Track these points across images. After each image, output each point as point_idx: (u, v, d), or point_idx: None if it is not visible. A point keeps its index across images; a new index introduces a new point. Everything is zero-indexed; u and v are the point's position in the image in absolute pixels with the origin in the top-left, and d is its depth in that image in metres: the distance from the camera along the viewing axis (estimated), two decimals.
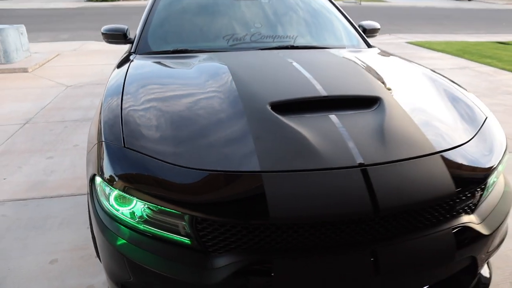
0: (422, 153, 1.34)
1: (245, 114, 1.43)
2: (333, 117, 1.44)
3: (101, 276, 1.95)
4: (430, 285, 1.41)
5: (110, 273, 1.36)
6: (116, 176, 1.28)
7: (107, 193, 1.32)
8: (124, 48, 4.73)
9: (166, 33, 2.52)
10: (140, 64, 2.12)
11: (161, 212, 1.23)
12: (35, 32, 11.19)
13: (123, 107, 1.56)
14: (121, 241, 1.27)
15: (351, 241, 1.20)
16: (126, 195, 1.26)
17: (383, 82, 1.81)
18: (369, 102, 1.56)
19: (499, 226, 1.48)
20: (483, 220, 1.45)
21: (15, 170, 3.08)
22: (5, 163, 3.21)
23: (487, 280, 1.72)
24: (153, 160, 1.28)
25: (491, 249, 1.52)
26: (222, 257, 1.18)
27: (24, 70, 6.47)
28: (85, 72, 6.51)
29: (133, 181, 1.25)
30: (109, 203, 1.32)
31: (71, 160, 3.26)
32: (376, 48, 2.65)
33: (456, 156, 1.39)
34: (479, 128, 1.61)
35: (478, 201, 1.46)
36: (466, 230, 1.37)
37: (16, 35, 6.98)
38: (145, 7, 2.86)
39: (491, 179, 1.51)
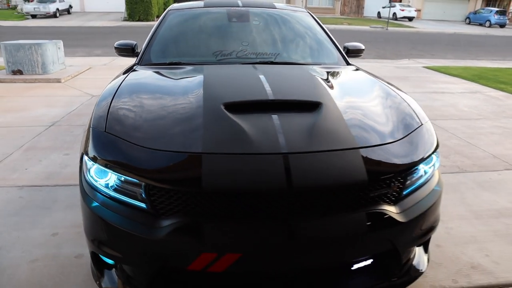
0: (342, 147, 1.62)
1: (203, 111, 1.77)
2: (275, 116, 1.75)
3: None
4: (348, 262, 1.66)
5: (86, 231, 1.71)
6: (96, 153, 1.65)
7: (88, 167, 1.69)
8: None
9: (165, 48, 2.94)
10: (139, 73, 2.52)
11: (126, 181, 1.58)
12: (73, 47, 12.21)
13: (112, 103, 1.94)
14: (95, 204, 1.62)
15: (270, 212, 1.48)
16: (103, 167, 1.62)
17: (333, 91, 2.11)
18: (311, 106, 1.86)
19: (417, 217, 1.71)
20: (403, 211, 1.69)
21: (36, 163, 3.54)
22: (29, 156, 3.69)
23: (417, 273, 1.90)
24: (124, 142, 1.64)
25: (411, 237, 1.74)
26: (167, 219, 1.50)
27: (58, 81, 7.16)
28: None
29: (108, 157, 1.62)
30: (90, 175, 1.68)
31: None
32: (353, 66, 2.95)
33: (375, 153, 1.66)
34: (409, 133, 1.86)
35: (399, 194, 1.71)
36: (381, 215, 1.61)
37: (54, 49, 7.75)
38: None
39: (412, 177, 1.75)
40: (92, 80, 7.49)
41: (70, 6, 29.69)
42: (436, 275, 2.20)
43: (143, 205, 1.55)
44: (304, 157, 1.54)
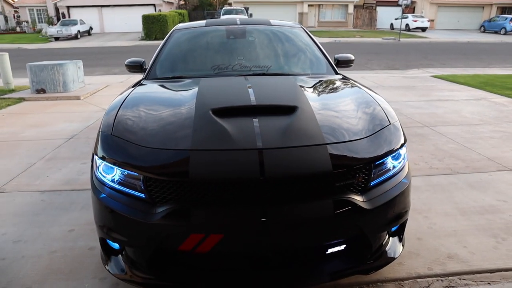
0: (311, 143, 1.87)
1: (194, 116, 2.06)
2: (255, 119, 2.02)
3: None
4: (320, 245, 1.90)
5: (96, 219, 2.00)
6: (104, 152, 1.95)
7: (97, 165, 1.99)
8: None
9: (169, 64, 3.27)
10: (145, 86, 2.85)
11: (128, 175, 1.87)
12: (92, 67, 12.88)
13: (118, 112, 2.25)
14: (103, 195, 1.92)
15: (247, 199, 1.74)
16: (110, 165, 1.92)
17: (312, 96, 2.37)
18: (288, 110, 2.12)
19: (382, 205, 1.93)
20: (369, 200, 1.92)
21: (56, 171, 3.91)
22: (50, 166, 4.07)
23: (390, 259, 2.11)
24: (127, 142, 1.94)
25: (378, 224, 1.96)
26: (161, 205, 1.78)
27: (77, 98, 7.66)
28: None
29: (114, 155, 1.92)
30: (99, 172, 1.99)
31: None
32: (340, 75, 3.20)
33: (341, 149, 1.90)
34: (376, 131, 2.10)
35: (365, 185, 1.94)
36: (347, 203, 1.84)
37: (74, 69, 8.30)
38: None
39: (378, 170, 1.98)
40: (109, 96, 7.96)
41: (91, 28, 31.13)
42: (413, 263, 2.39)
43: (142, 195, 1.84)
44: (276, 152, 1.81)
